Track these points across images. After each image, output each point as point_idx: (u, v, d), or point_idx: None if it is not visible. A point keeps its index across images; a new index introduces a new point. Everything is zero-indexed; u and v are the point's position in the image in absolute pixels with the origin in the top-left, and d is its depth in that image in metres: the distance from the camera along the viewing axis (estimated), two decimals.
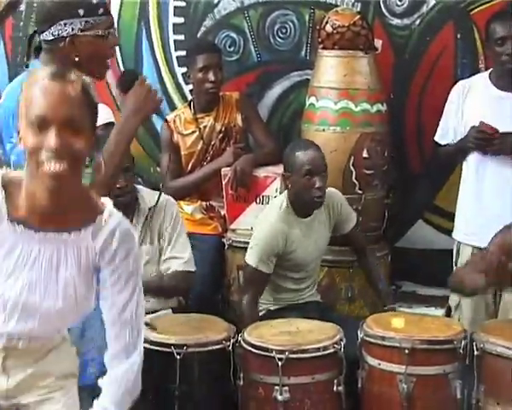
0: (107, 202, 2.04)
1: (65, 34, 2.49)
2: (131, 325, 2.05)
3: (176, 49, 4.79)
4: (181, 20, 4.77)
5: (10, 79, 5.04)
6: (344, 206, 3.90)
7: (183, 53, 4.70)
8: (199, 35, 4.76)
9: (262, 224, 3.77)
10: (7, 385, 2.08)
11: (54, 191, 1.91)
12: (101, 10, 2.54)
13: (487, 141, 3.74)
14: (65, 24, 2.48)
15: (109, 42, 2.57)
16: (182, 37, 4.78)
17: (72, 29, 2.49)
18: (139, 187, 3.86)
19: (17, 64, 5.02)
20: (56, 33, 2.49)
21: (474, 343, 3.27)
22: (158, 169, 4.70)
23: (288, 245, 3.70)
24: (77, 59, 2.50)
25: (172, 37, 4.79)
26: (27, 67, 2.59)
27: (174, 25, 4.78)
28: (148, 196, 3.77)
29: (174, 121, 4.46)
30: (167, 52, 4.81)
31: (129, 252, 2.03)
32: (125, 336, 2.05)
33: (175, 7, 4.76)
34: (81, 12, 2.49)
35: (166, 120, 4.44)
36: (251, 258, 3.69)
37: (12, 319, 1.99)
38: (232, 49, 4.71)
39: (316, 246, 3.80)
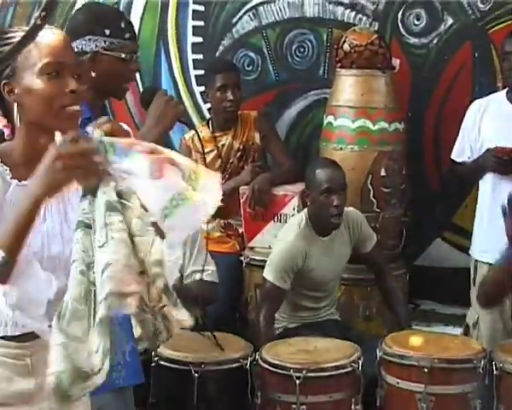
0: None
1: (88, 49, 2.52)
2: None
3: (194, 68, 4.83)
4: (199, 39, 4.81)
5: None
6: (364, 225, 3.90)
7: (202, 72, 4.74)
8: (217, 54, 4.79)
9: (281, 241, 3.78)
10: (34, 388, 1.99)
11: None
12: (127, 35, 2.58)
13: (504, 164, 3.74)
14: (89, 39, 2.53)
15: (131, 66, 2.60)
16: (200, 56, 4.82)
17: (96, 46, 2.53)
18: None
19: None
20: (80, 47, 2.52)
21: (494, 363, 3.25)
22: None
23: (306, 263, 3.71)
24: (94, 75, 2.53)
25: (191, 56, 4.83)
26: None
27: (193, 44, 4.82)
28: None
29: (192, 140, 4.48)
30: (186, 71, 4.84)
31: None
32: None
33: (193, 26, 4.80)
34: (107, 32, 2.53)
35: (184, 138, 4.48)
36: (269, 274, 3.70)
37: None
38: (250, 68, 4.74)
39: (335, 265, 3.80)
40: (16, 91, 1.90)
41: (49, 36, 1.90)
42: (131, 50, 2.59)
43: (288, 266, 3.68)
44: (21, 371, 1.98)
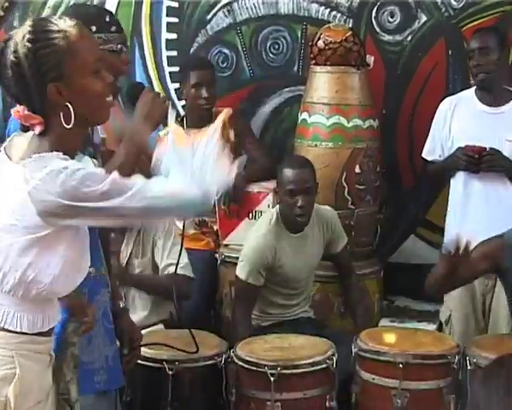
0: None
1: None
2: None
3: (169, 65, 4.81)
4: (174, 35, 4.79)
5: (3, 92, 5.05)
6: (337, 225, 3.90)
7: (176, 69, 4.72)
8: (191, 51, 4.78)
9: (252, 237, 3.78)
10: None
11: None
12: (113, 28, 2.57)
13: (474, 163, 3.76)
14: None
15: (122, 57, 2.58)
16: (175, 53, 4.80)
17: None
18: None
19: None
20: None
21: (467, 358, 3.27)
22: None
23: (276, 259, 3.71)
24: None
25: (165, 52, 4.80)
26: None
27: (167, 40, 4.79)
28: None
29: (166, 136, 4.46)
30: (160, 68, 4.82)
31: None
32: None
33: (168, 23, 4.78)
34: (93, 28, 2.49)
35: (159, 135, 4.45)
36: (241, 272, 3.70)
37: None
38: (225, 65, 4.73)
39: (306, 262, 3.80)
40: (65, 93, 1.92)
41: (88, 34, 2.00)
42: (120, 42, 2.58)
43: (258, 263, 3.68)
44: (48, 364, 2.02)
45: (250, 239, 3.79)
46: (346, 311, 4.06)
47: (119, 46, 2.56)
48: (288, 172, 3.71)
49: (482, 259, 3.19)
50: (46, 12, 4.79)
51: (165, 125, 4.50)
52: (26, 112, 1.95)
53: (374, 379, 3.28)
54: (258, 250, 3.70)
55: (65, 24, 1.94)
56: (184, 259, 3.76)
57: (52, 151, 1.90)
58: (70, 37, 1.92)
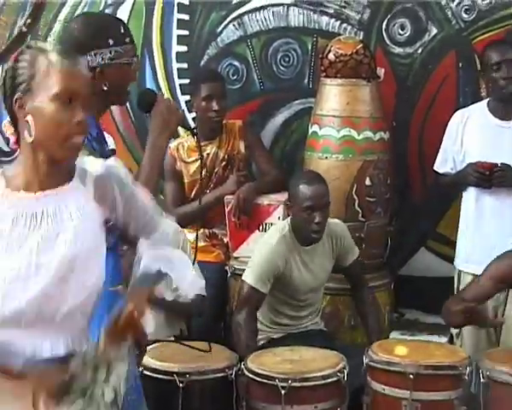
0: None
1: (95, 64, 2.47)
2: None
3: (179, 77, 4.81)
4: (184, 48, 4.80)
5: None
6: (347, 239, 3.89)
7: (187, 81, 4.73)
8: (202, 63, 4.78)
9: (262, 245, 3.78)
10: None
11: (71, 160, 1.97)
12: (127, 39, 2.55)
13: (485, 179, 3.75)
14: (95, 54, 2.47)
15: (134, 67, 2.58)
16: (185, 65, 4.81)
17: (102, 59, 2.48)
18: None
19: None
20: (86, 63, 2.45)
21: (480, 371, 3.26)
22: (161, 196, 4.71)
23: (287, 268, 3.70)
24: (105, 88, 2.49)
25: (176, 65, 4.81)
26: None
27: (177, 53, 4.80)
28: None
29: (177, 149, 4.47)
30: (170, 80, 4.83)
31: (120, 181, 2.04)
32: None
33: (178, 35, 4.79)
34: (111, 42, 2.49)
35: (169, 148, 4.46)
36: (249, 277, 3.69)
37: (29, 281, 1.91)
38: (235, 77, 4.74)
39: (316, 275, 3.79)
40: (27, 108, 1.92)
41: (69, 63, 1.95)
42: (133, 53, 2.57)
43: (267, 270, 3.67)
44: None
45: (261, 247, 3.79)
46: (358, 323, 4.04)
47: (132, 59, 2.55)
48: (305, 189, 3.70)
49: (497, 282, 3.21)
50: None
51: (177, 136, 4.55)
52: (7, 123, 2.00)
53: (384, 390, 3.28)
54: (269, 258, 3.69)
55: (51, 48, 1.97)
56: (202, 279, 3.74)
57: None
58: (49, 57, 1.93)
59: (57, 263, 1.92)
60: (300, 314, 3.81)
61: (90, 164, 2.03)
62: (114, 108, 4.69)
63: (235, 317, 3.70)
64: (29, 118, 1.91)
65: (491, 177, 3.74)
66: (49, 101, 1.91)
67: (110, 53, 2.49)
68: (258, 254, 3.76)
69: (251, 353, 3.45)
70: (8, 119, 2.00)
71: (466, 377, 3.26)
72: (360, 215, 4.17)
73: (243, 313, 3.65)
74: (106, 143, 2.64)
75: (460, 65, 4.44)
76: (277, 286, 3.72)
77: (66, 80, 1.93)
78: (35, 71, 1.93)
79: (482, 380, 3.24)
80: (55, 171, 1.97)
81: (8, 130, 2.01)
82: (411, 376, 3.20)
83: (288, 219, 3.83)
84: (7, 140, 2.07)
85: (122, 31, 2.55)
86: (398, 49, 4.53)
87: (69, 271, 1.92)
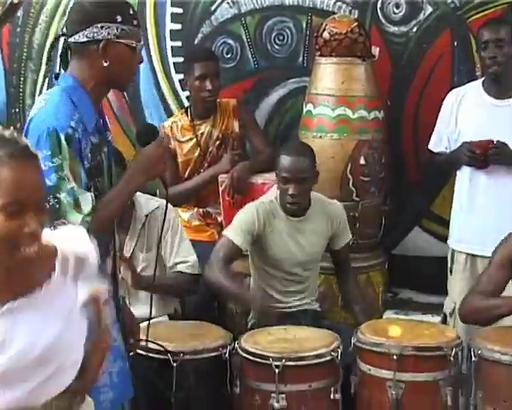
0: (52, 238, 1.91)
1: (100, 37, 2.46)
2: None
3: (173, 56, 4.79)
4: (178, 26, 4.77)
5: (7, 85, 5.05)
6: (343, 222, 3.86)
7: (181, 59, 4.71)
8: (196, 42, 4.76)
9: (248, 205, 3.79)
10: None
11: (28, 269, 1.82)
12: (135, 21, 2.53)
13: (479, 159, 3.74)
14: (101, 27, 2.46)
15: (137, 57, 2.56)
16: (179, 43, 4.78)
17: (108, 33, 2.46)
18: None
19: (14, 69, 5.02)
20: (91, 35, 2.46)
21: (472, 350, 3.26)
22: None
23: (266, 230, 3.68)
24: (105, 64, 2.47)
25: (169, 43, 4.79)
26: (56, 77, 2.55)
27: (171, 31, 4.78)
28: (144, 202, 3.77)
29: (171, 128, 4.46)
30: (164, 58, 4.81)
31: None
32: None
33: (172, 13, 4.76)
34: (119, 18, 2.47)
35: (163, 127, 4.44)
36: (227, 231, 3.71)
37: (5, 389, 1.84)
38: (229, 55, 4.72)
39: (304, 250, 3.76)
40: None
41: (15, 169, 1.76)
42: (139, 38, 2.55)
43: (245, 226, 3.66)
44: None
45: (245, 206, 3.81)
46: (345, 306, 4.04)
47: (138, 44, 2.53)
48: (284, 159, 3.68)
49: (508, 267, 3.23)
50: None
51: (170, 115, 4.52)
52: None
53: (370, 370, 3.29)
54: (248, 214, 3.69)
55: (2, 148, 1.77)
56: (193, 256, 3.75)
57: None
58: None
59: (41, 362, 1.85)
60: (289, 289, 3.78)
61: (67, 242, 1.90)
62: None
63: (210, 269, 3.62)
64: None
65: (486, 155, 3.72)
66: None
67: (117, 29, 2.47)
68: (240, 212, 3.77)
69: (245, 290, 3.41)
70: None
71: (452, 358, 3.25)
72: (354, 194, 4.16)
73: (217, 263, 3.59)
74: (108, 129, 2.62)
75: (455, 44, 4.42)
76: (259, 252, 3.70)
77: (12, 190, 1.75)
78: None
79: (473, 359, 3.24)
80: (22, 274, 1.83)
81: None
82: (395, 357, 3.20)
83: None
84: None
85: (131, 12, 2.53)
86: (392, 28, 4.51)
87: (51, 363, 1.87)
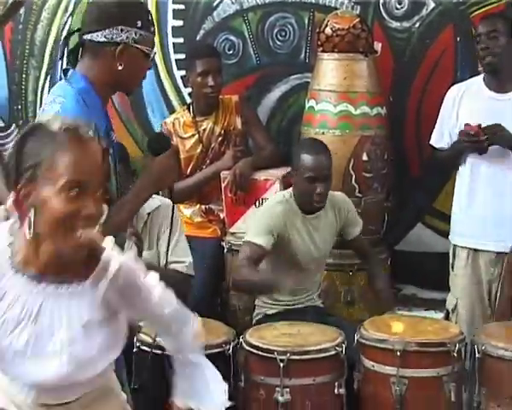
0: (107, 244, 1.90)
1: (119, 40, 2.44)
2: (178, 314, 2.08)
3: (175, 52, 4.78)
4: (180, 23, 4.77)
5: (9, 82, 5.04)
6: (351, 212, 3.85)
7: (182, 56, 4.70)
8: (198, 38, 4.75)
9: (262, 209, 3.76)
10: None
11: (74, 260, 1.85)
12: (152, 28, 2.53)
13: (473, 141, 3.73)
14: (122, 30, 2.44)
15: (149, 63, 2.55)
16: (181, 40, 4.78)
17: (127, 37, 2.44)
18: None
19: (16, 67, 5.01)
20: (110, 36, 2.44)
21: (476, 346, 3.26)
22: None
23: (286, 231, 3.64)
24: (120, 68, 2.46)
25: (171, 40, 4.78)
26: (65, 72, 2.53)
27: (173, 27, 4.77)
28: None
29: (173, 124, 4.45)
30: (166, 55, 4.80)
31: (134, 284, 1.94)
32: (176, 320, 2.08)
33: (174, 10, 4.75)
34: (139, 23, 2.46)
35: (165, 123, 4.44)
36: (247, 236, 3.62)
37: (21, 368, 1.88)
38: (231, 52, 4.71)
39: (317, 245, 3.75)
40: (32, 198, 1.79)
41: (78, 149, 1.80)
42: (153, 45, 2.54)
43: (267, 226, 3.58)
44: None
45: (260, 210, 3.76)
46: (355, 298, 4.03)
47: (153, 51, 2.53)
48: (309, 159, 3.63)
49: None
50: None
51: (172, 112, 4.51)
52: (10, 203, 1.84)
53: (374, 366, 3.29)
54: (268, 215, 3.64)
55: (60, 132, 1.81)
56: (189, 257, 3.70)
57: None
58: (56, 145, 1.79)
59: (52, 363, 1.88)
60: (301, 287, 3.78)
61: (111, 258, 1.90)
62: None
63: (237, 274, 3.58)
64: (31, 213, 1.79)
65: (481, 138, 3.71)
66: (56, 193, 1.77)
67: (135, 34, 2.45)
68: (256, 215, 3.73)
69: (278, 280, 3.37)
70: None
71: (455, 354, 3.25)
72: (357, 191, 4.16)
73: (243, 269, 3.52)
74: (112, 130, 2.61)
75: (458, 39, 4.42)
76: (277, 250, 3.64)
77: (75, 169, 1.78)
78: (41, 159, 1.78)
79: (477, 355, 3.25)
80: (61, 263, 1.85)
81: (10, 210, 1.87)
82: (398, 353, 3.20)
83: (290, 189, 3.79)
84: None
85: (150, 18, 2.52)
86: (395, 24, 4.51)
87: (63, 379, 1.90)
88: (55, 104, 2.43)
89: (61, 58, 2.62)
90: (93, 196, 1.80)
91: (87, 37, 2.48)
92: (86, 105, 2.43)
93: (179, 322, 2.09)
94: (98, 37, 2.45)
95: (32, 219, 1.78)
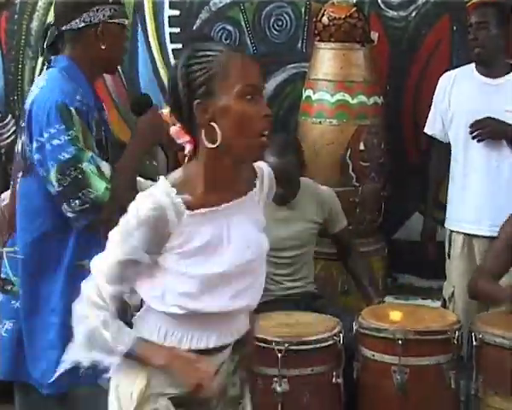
0: None
1: (97, 20, 2.47)
2: None
3: (171, 42, 4.78)
4: (176, 12, 4.76)
5: (5, 72, 5.03)
6: (334, 208, 3.85)
7: (179, 46, 4.69)
8: (195, 27, 4.75)
9: None
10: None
11: (242, 173, 1.98)
12: (122, 0, 2.57)
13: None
14: (97, 10, 2.47)
15: (125, 34, 2.59)
16: (177, 29, 4.77)
17: (104, 15, 2.48)
18: (138, 179, 3.84)
19: (12, 57, 5.00)
20: (88, 20, 2.47)
21: (473, 334, 3.27)
22: (154, 163, 4.68)
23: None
24: (103, 47, 2.49)
25: (168, 29, 4.77)
26: (49, 62, 2.55)
27: (170, 17, 4.76)
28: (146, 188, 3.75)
29: (170, 115, 4.44)
30: (163, 45, 4.79)
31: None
32: None
33: (170, 0, 4.75)
34: None
35: (162, 113, 4.43)
36: None
37: (227, 295, 1.97)
38: (228, 41, 4.70)
39: (289, 234, 3.76)
40: (210, 111, 1.89)
41: (247, 59, 1.94)
42: (126, 15, 2.58)
43: None
44: None
45: None
46: (352, 288, 4.04)
47: (127, 21, 2.57)
48: (270, 160, 3.63)
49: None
50: None
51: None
52: (178, 128, 1.96)
53: (374, 356, 3.29)
54: None
55: (220, 46, 1.95)
56: None
57: (196, 175, 1.93)
58: (223, 57, 1.90)
59: (246, 269, 1.98)
60: (282, 271, 3.77)
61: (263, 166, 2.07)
62: (106, 75, 4.65)
63: None
64: (214, 122, 1.88)
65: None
66: (235, 99, 1.88)
67: (110, 11, 2.49)
68: None
69: None
70: (178, 126, 1.96)
71: (455, 342, 3.27)
72: (354, 180, 4.16)
73: None
74: (103, 109, 2.63)
75: (454, 28, 4.42)
76: None
77: (248, 74, 1.90)
78: (213, 72, 1.89)
79: (474, 343, 3.25)
80: (237, 177, 1.97)
81: (181, 137, 1.96)
82: (400, 341, 3.20)
83: None
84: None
85: None
86: (391, 13, 4.51)
87: (250, 275, 2.01)
88: (41, 82, 2.49)
89: (42, 54, 2.64)
90: (263, 98, 1.92)
91: (66, 27, 2.51)
92: (70, 79, 2.47)
93: None
94: (77, 24, 2.49)
95: (217, 127, 1.87)
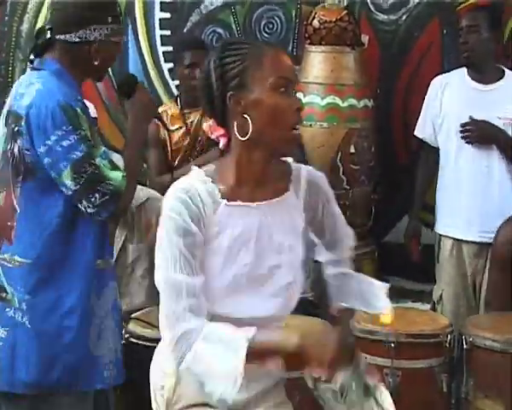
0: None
1: (92, 39, 2.47)
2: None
3: (162, 45, 4.78)
4: (167, 15, 4.76)
5: None
6: None
7: (170, 48, 4.70)
8: (185, 30, 4.75)
9: None
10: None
11: (274, 173, 1.95)
12: (121, 18, 2.59)
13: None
14: (94, 29, 2.47)
15: (119, 49, 2.61)
16: (168, 32, 4.77)
17: (100, 34, 2.48)
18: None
19: (2, 59, 4.99)
20: (84, 36, 2.47)
21: (463, 337, 3.27)
22: (144, 165, 4.68)
23: None
24: (96, 63, 2.50)
25: (159, 32, 4.78)
26: (32, 62, 2.55)
27: (161, 20, 4.77)
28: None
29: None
30: (153, 47, 4.80)
31: (321, 188, 2.09)
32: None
33: (161, 2, 4.75)
34: (110, 19, 2.49)
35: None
36: None
37: (247, 296, 1.94)
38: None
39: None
40: (243, 103, 1.89)
41: (280, 53, 1.95)
42: (123, 32, 2.62)
43: None
44: None
45: None
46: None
47: (123, 38, 2.59)
48: None
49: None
50: None
51: (159, 104, 4.52)
52: (212, 123, 1.97)
53: (366, 358, 3.27)
54: None
55: (255, 42, 2.02)
56: None
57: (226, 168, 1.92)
58: (256, 49, 1.92)
59: (271, 275, 1.95)
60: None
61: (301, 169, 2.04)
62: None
63: None
64: (247, 114, 1.88)
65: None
66: (268, 91, 1.88)
67: (107, 30, 2.49)
68: None
69: None
70: (211, 122, 1.97)
71: (447, 345, 3.27)
72: (345, 183, 4.17)
73: None
74: (88, 109, 2.63)
75: (444, 31, 4.44)
76: None
77: (282, 67, 1.91)
78: (247, 64, 1.89)
79: (465, 346, 3.25)
80: (269, 174, 1.96)
81: (215, 132, 1.97)
82: (392, 344, 3.21)
83: None
84: None
85: (118, 10, 2.57)
86: (382, 16, 4.52)
87: (278, 282, 1.97)
88: (35, 85, 2.45)
89: (30, 53, 2.63)
90: (295, 92, 1.94)
91: (60, 37, 2.50)
92: (64, 82, 2.46)
93: (343, 232, 2.19)
94: (72, 38, 2.48)
95: (249, 119, 1.87)
